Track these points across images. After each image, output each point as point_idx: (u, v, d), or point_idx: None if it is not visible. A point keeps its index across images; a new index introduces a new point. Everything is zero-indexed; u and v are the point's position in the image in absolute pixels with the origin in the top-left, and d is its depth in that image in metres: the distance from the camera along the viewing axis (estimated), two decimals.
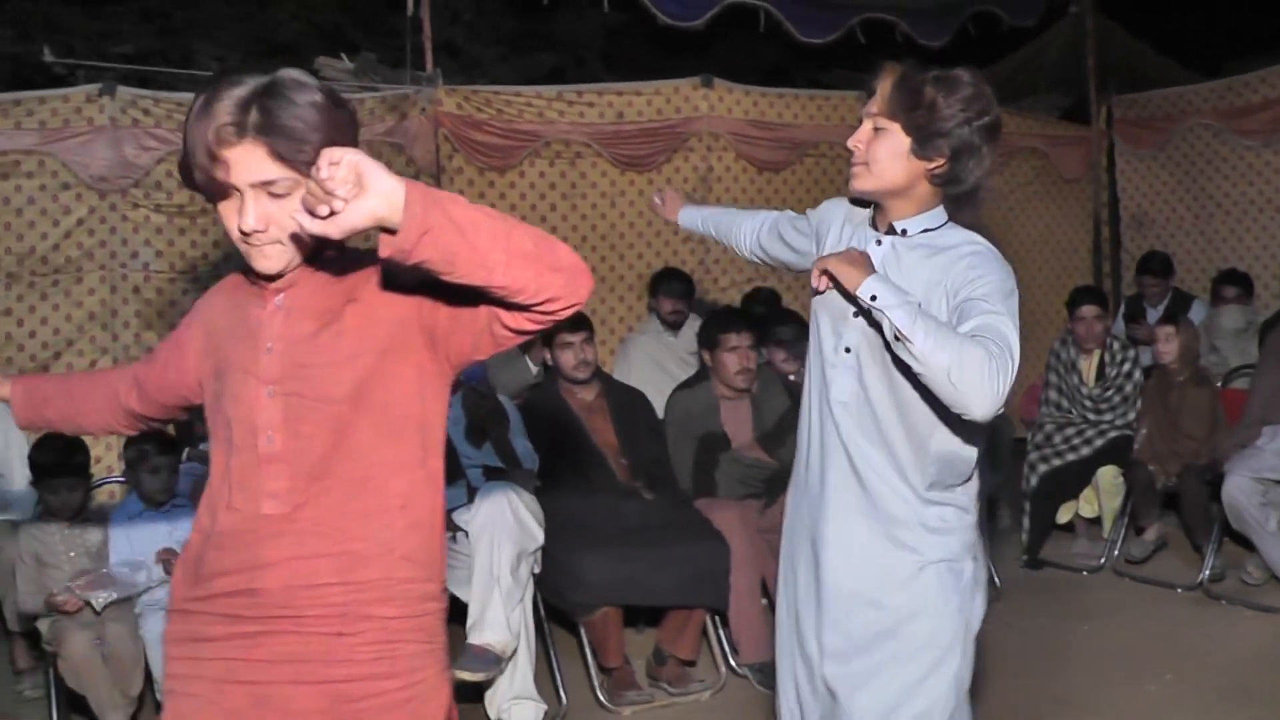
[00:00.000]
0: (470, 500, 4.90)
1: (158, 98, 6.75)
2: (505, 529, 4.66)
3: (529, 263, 1.88)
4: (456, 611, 4.69)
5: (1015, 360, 2.49)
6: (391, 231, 1.77)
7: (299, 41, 9.36)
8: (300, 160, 2.01)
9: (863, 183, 2.81)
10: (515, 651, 4.61)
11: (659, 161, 7.58)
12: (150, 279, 6.72)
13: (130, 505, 4.86)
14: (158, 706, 4.56)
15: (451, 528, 4.96)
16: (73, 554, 4.76)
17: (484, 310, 2.00)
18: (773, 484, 5.29)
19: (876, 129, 2.76)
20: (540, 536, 4.82)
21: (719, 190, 7.72)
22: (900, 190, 2.77)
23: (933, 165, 2.72)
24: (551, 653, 4.99)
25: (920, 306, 2.55)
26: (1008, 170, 8.83)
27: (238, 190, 2.06)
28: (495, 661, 4.50)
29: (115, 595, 4.56)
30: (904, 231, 2.81)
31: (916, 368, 2.50)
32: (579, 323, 5.46)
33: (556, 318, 1.98)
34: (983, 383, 2.42)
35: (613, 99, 7.50)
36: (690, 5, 7.63)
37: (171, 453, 4.92)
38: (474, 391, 5.01)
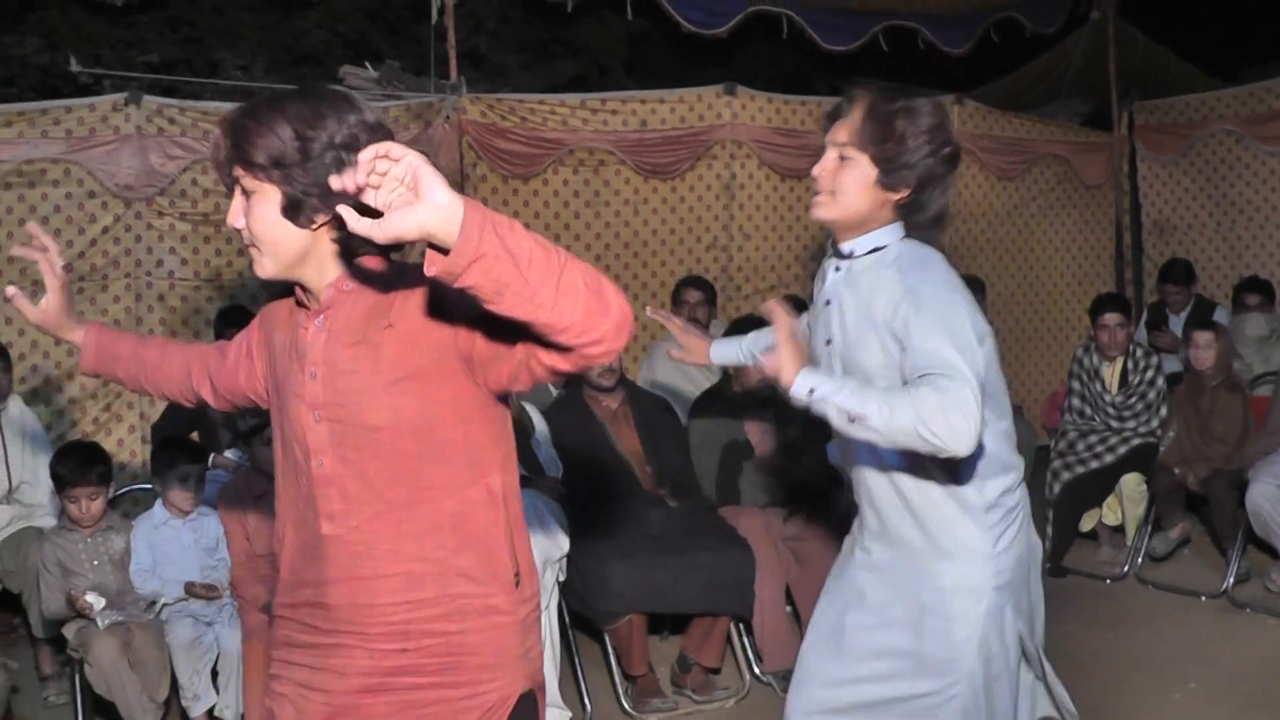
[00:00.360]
0: None
1: (183, 107, 6.80)
2: (532, 537, 4.67)
3: (578, 303, 1.81)
4: None
5: (972, 374, 2.47)
6: (442, 250, 1.70)
7: (324, 50, 9.39)
8: (248, 159, 2.07)
9: (826, 211, 2.78)
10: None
11: (682, 169, 7.59)
12: (175, 287, 6.76)
13: (156, 515, 4.89)
14: (183, 712, 4.61)
15: None
16: (95, 562, 4.79)
17: (521, 345, 1.96)
18: (796, 492, 5.29)
19: (843, 158, 2.74)
20: (565, 544, 4.84)
21: (742, 197, 7.73)
22: (862, 220, 2.77)
23: (898, 196, 2.73)
24: (576, 660, 5.00)
25: (856, 385, 2.55)
26: (1029, 177, 8.82)
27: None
28: None
29: (121, 619, 4.61)
30: (851, 253, 2.80)
31: (883, 441, 2.51)
32: None
33: (594, 362, 1.92)
34: (951, 423, 2.41)
35: (636, 107, 7.51)
36: (713, 13, 7.64)
37: (200, 461, 4.95)
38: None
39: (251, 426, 4.89)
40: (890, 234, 2.78)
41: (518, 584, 2.21)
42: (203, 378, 2.58)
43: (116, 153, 6.54)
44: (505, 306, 1.78)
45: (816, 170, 2.79)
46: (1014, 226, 8.82)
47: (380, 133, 2.08)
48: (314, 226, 2.11)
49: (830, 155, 2.77)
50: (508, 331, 1.94)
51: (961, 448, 2.43)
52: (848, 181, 2.73)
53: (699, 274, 7.23)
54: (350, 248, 2.14)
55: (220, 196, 6.74)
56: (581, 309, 1.81)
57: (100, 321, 2.70)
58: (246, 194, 2.12)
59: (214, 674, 4.65)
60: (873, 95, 2.74)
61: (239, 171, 2.10)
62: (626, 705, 4.92)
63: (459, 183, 7.09)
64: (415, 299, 2.08)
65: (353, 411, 2.14)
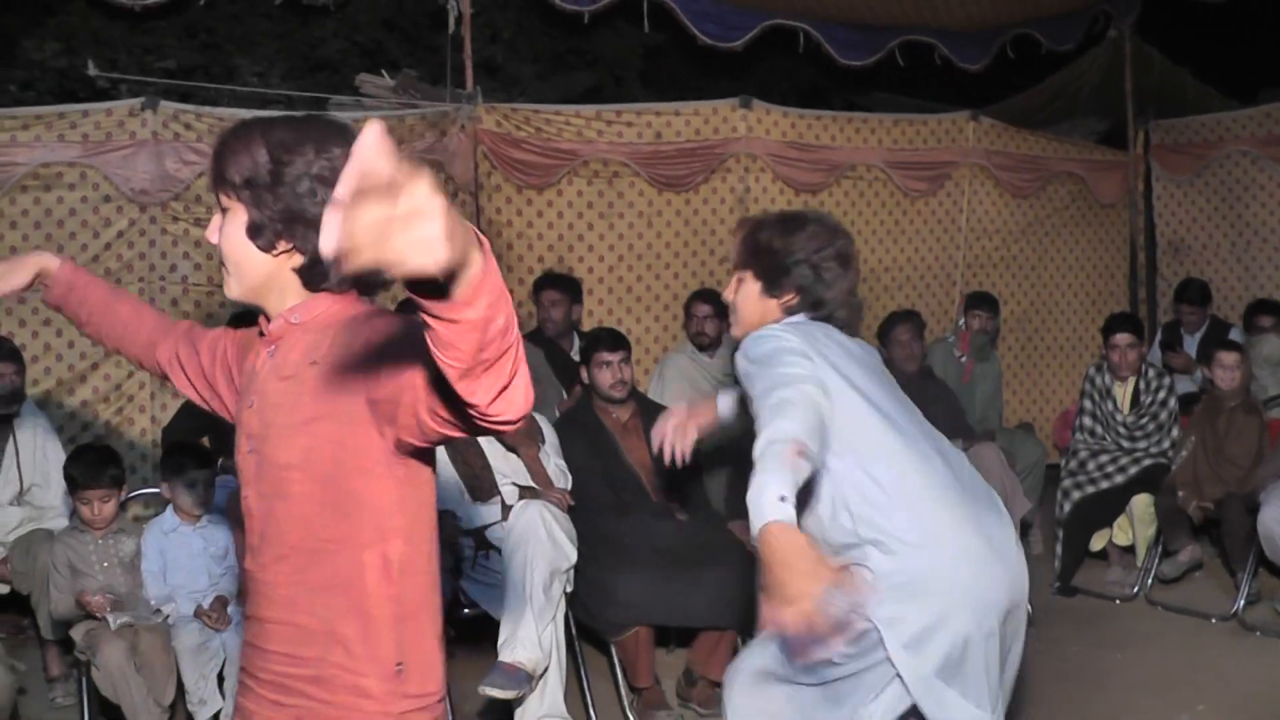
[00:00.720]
0: (504, 517, 4.93)
1: (199, 112, 6.82)
2: (538, 547, 4.68)
3: (505, 371, 1.63)
4: (488, 628, 4.73)
5: (786, 422, 2.67)
6: (435, 291, 1.45)
7: (340, 58, 9.40)
8: (220, 178, 2.09)
9: (734, 330, 3.18)
10: (546, 670, 4.62)
11: (697, 182, 7.59)
12: (188, 292, 6.77)
13: (166, 520, 4.90)
14: (189, 716, 4.61)
15: (484, 545, 5.00)
16: (106, 564, 4.80)
17: (425, 400, 1.78)
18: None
19: (739, 280, 3.14)
20: (573, 555, 4.83)
21: (756, 211, 7.70)
22: (755, 325, 3.05)
23: (784, 300, 3.06)
24: (582, 672, 5.00)
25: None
26: (1044, 195, 8.81)
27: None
28: (526, 680, 4.51)
29: (130, 621, 4.62)
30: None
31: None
32: (617, 342, 5.50)
33: (491, 429, 1.74)
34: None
35: (651, 119, 7.52)
36: (730, 26, 7.65)
37: (209, 466, 4.96)
38: None
39: None
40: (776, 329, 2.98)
41: (399, 672, 2.04)
42: (171, 359, 2.51)
43: (132, 157, 6.55)
44: (459, 359, 1.57)
45: (724, 295, 3.26)
46: (1028, 244, 8.81)
47: None
48: (275, 252, 2.08)
49: (731, 281, 3.20)
50: (412, 378, 1.79)
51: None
52: (739, 299, 3.16)
53: (711, 287, 7.22)
54: (309, 280, 2.10)
55: None
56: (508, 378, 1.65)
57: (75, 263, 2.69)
58: (223, 211, 2.12)
59: (220, 679, 4.65)
60: (751, 223, 3.20)
61: (217, 188, 2.11)
62: (632, 717, 4.91)
63: (474, 192, 7.10)
64: (342, 337, 2.01)
65: (270, 446, 2.07)
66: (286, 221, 2.04)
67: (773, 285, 3.05)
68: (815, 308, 3.05)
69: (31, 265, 2.59)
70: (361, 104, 7.65)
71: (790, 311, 3.05)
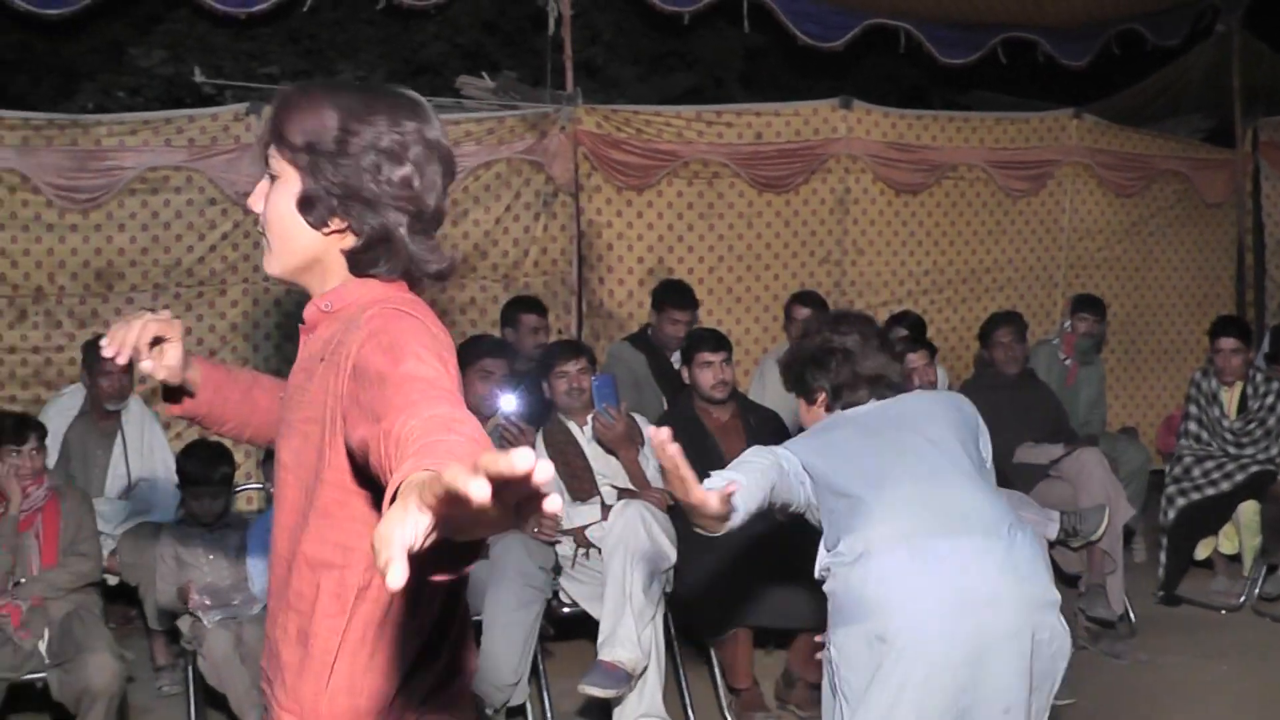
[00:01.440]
0: (604, 517, 4.97)
1: None
2: (638, 547, 4.70)
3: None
4: (588, 627, 4.75)
5: None
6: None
7: (442, 61, 9.50)
8: (279, 139, 1.87)
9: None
10: (645, 669, 4.64)
11: (797, 183, 7.55)
12: (290, 293, 6.89)
13: (270, 517, 4.97)
14: None
15: (585, 544, 5.03)
16: (211, 558, 4.90)
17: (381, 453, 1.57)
18: None
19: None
20: (672, 555, 4.85)
21: (856, 212, 7.68)
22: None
23: (818, 403, 3.44)
24: (681, 672, 5.00)
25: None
26: (1149, 194, 8.64)
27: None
28: (625, 679, 4.53)
29: (229, 616, 4.71)
30: None
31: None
32: (720, 343, 5.51)
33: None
34: None
35: (751, 119, 7.48)
36: (830, 26, 7.60)
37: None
38: (605, 412, 5.06)
39: None
40: None
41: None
42: None
43: (236, 161, 6.70)
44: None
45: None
46: (1132, 245, 8.65)
47: (437, 150, 1.89)
48: (327, 231, 1.88)
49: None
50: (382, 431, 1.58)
51: None
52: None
53: (811, 289, 7.19)
54: (357, 264, 1.91)
55: None
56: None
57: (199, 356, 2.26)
58: (272, 178, 1.91)
59: None
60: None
61: (271, 151, 1.89)
62: (730, 718, 4.91)
63: (574, 193, 7.15)
64: (353, 336, 1.79)
65: (279, 444, 1.95)
66: (344, 197, 1.84)
67: (808, 398, 3.42)
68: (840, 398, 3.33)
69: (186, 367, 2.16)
70: (462, 105, 7.73)
71: (829, 409, 3.35)
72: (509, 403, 5.18)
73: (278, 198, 1.89)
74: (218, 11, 6.69)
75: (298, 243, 1.90)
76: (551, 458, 5.19)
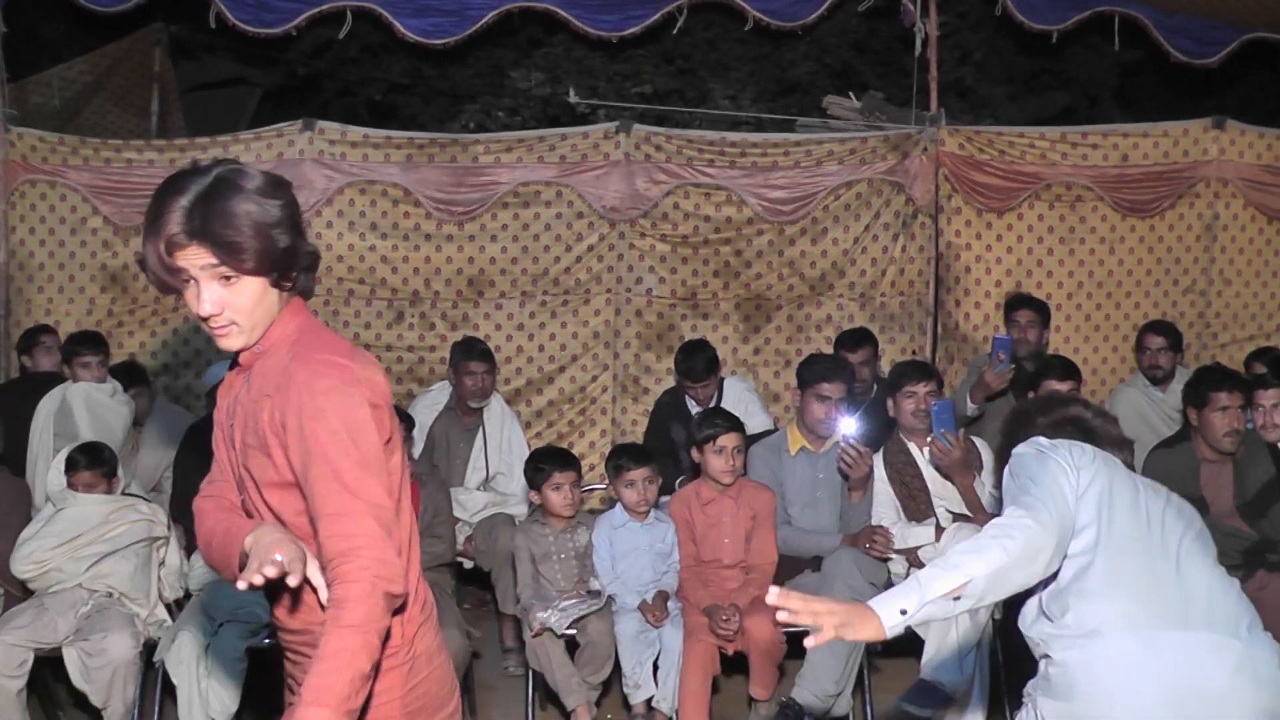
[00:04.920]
0: (937, 539, 4.91)
1: (669, 134, 7.21)
2: None
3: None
4: (917, 646, 4.68)
5: None
6: None
7: (810, 81, 9.59)
8: (243, 266, 2.21)
9: None
10: (967, 694, 4.55)
11: (1162, 207, 7.17)
12: (652, 303, 7.16)
13: (616, 516, 5.17)
14: (624, 699, 4.87)
15: (917, 564, 4.98)
16: (563, 555, 5.13)
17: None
18: (1250, 556, 4.88)
19: None
20: None
21: (1225, 239, 7.21)
22: None
23: None
24: (1006, 701, 4.87)
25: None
26: None
27: (193, 279, 2.23)
28: (944, 700, 4.47)
29: (578, 614, 4.88)
30: None
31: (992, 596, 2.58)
32: (1069, 371, 5.36)
33: None
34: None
35: (1118, 140, 7.17)
36: (1205, 41, 7.19)
37: (647, 463, 5.18)
38: (943, 437, 4.99)
39: (705, 435, 5.08)
40: None
41: None
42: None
43: (605, 177, 7.03)
44: None
45: None
46: None
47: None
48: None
49: None
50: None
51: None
52: None
53: (1170, 319, 6.80)
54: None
55: (700, 220, 7.08)
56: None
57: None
58: (226, 280, 2.23)
59: (655, 667, 4.84)
60: None
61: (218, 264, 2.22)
62: None
63: (933, 215, 7.09)
64: (287, 394, 2.26)
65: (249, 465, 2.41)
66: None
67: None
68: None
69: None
70: (828, 125, 7.80)
71: None
72: (849, 425, 5.18)
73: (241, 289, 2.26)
74: (590, 36, 7.05)
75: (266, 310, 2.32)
76: (890, 478, 5.19)
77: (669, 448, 6.11)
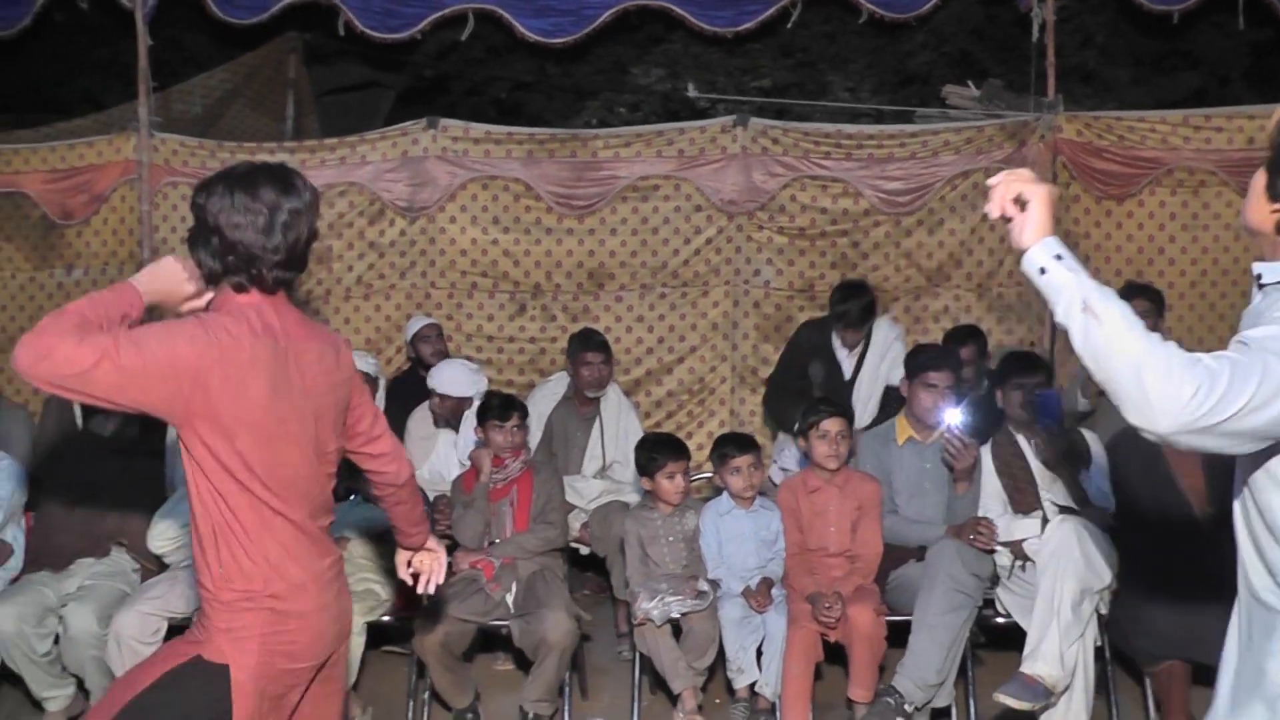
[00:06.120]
0: (1042, 532, 4.91)
1: (786, 128, 7.27)
2: (1071, 564, 4.62)
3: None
4: (1021, 639, 4.69)
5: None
6: None
7: (929, 71, 9.55)
8: None
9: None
10: (1068, 688, 4.55)
11: None
12: (769, 295, 7.24)
13: (722, 503, 5.27)
14: (728, 683, 4.97)
15: (1022, 556, 4.99)
16: (670, 539, 5.25)
17: None
18: None
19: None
20: (1108, 577, 4.72)
21: None
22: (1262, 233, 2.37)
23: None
24: (1113, 698, 4.85)
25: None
26: None
27: None
28: (1043, 694, 4.46)
29: (679, 613, 4.96)
30: (1259, 277, 2.39)
31: (1091, 362, 2.09)
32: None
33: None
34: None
35: (1243, 123, 7.00)
36: None
37: (751, 450, 5.27)
38: (1047, 429, 4.99)
39: (810, 421, 5.15)
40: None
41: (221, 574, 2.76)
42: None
43: (722, 170, 7.13)
44: None
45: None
46: None
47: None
48: None
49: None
50: None
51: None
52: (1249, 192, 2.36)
53: None
54: None
55: (816, 212, 7.14)
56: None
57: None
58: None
59: (759, 653, 4.95)
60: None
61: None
62: None
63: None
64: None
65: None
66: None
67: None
68: None
69: None
70: (947, 115, 7.78)
71: None
72: (954, 416, 5.20)
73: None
74: (706, 32, 7.15)
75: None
76: (997, 470, 5.20)
77: (801, 386, 6.17)
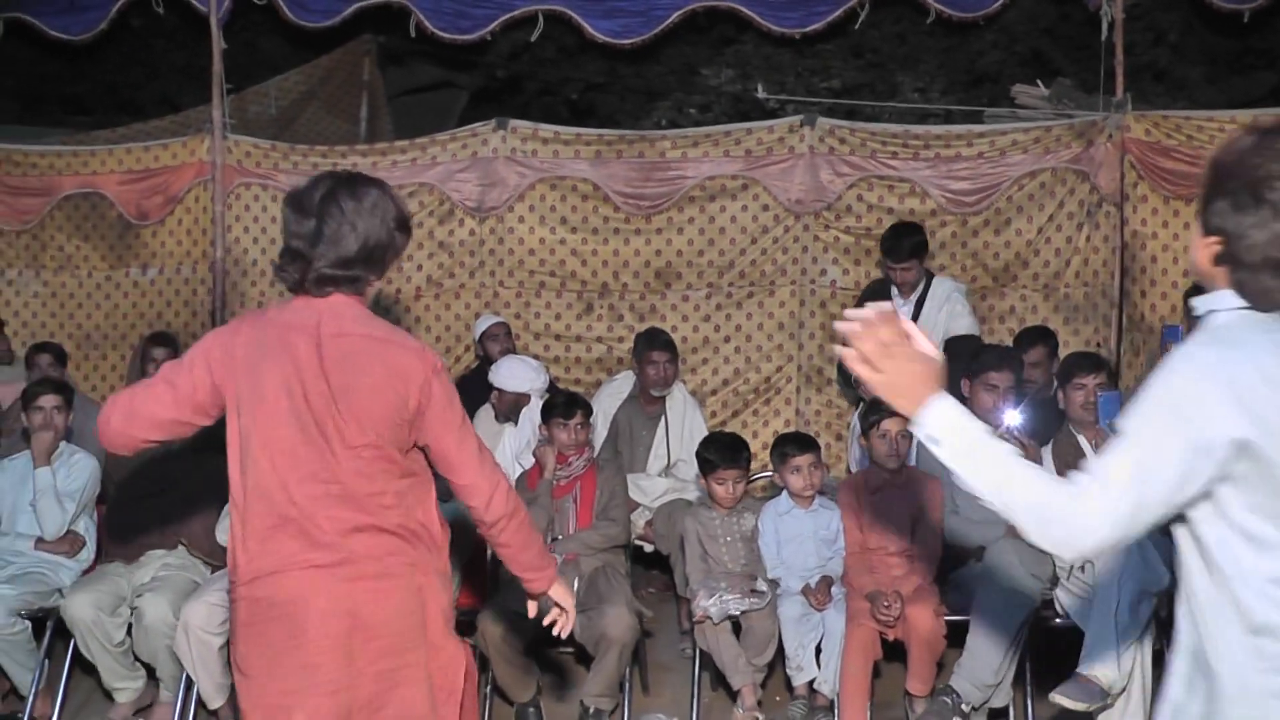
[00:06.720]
0: None
1: (853, 128, 7.29)
2: (1130, 566, 4.61)
3: None
4: (1077, 639, 4.69)
5: None
6: None
7: (999, 70, 9.51)
8: None
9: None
10: (1126, 690, 4.55)
11: None
12: (836, 295, 7.26)
13: (781, 503, 5.32)
14: (787, 680, 5.02)
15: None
16: (729, 538, 5.31)
17: None
18: None
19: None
20: (1166, 579, 4.70)
21: None
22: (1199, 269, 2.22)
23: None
24: None
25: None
26: None
27: None
28: (1099, 695, 4.46)
29: (737, 611, 5.02)
30: (1192, 310, 2.28)
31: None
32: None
33: None
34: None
35: None
36: None
37: (812, 450, 5.31)
38: (1109, 428, 4.98)
39: (871, 421, 5.18)
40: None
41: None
42: None
43: (790, 170, 7.17)
44: None
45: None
46: None
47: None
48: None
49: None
50: None
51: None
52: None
53: None
54: None
55: (883, 212, 7.14)
56: None
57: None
58: None
59: (818, 650, 4.99)
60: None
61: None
62: None
63: (1118, 203, 6.98)
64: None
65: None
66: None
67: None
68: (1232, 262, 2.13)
69: None
70: (1016, 115, 7.76)
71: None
72: (1013, 417, 5.21)
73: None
74: (774, 33, 7.20)
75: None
76: (1058, 470, 5.19)
77: None
